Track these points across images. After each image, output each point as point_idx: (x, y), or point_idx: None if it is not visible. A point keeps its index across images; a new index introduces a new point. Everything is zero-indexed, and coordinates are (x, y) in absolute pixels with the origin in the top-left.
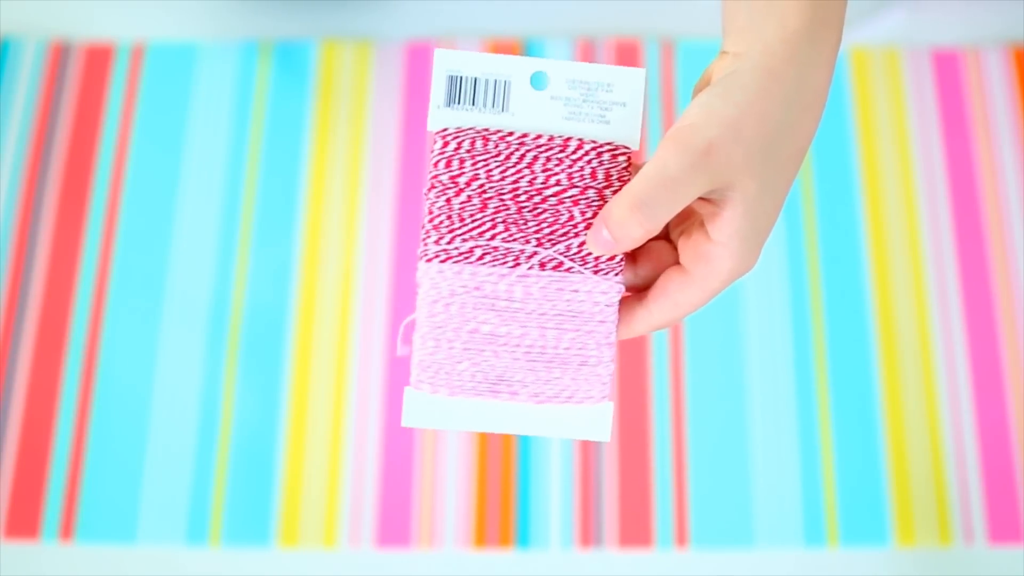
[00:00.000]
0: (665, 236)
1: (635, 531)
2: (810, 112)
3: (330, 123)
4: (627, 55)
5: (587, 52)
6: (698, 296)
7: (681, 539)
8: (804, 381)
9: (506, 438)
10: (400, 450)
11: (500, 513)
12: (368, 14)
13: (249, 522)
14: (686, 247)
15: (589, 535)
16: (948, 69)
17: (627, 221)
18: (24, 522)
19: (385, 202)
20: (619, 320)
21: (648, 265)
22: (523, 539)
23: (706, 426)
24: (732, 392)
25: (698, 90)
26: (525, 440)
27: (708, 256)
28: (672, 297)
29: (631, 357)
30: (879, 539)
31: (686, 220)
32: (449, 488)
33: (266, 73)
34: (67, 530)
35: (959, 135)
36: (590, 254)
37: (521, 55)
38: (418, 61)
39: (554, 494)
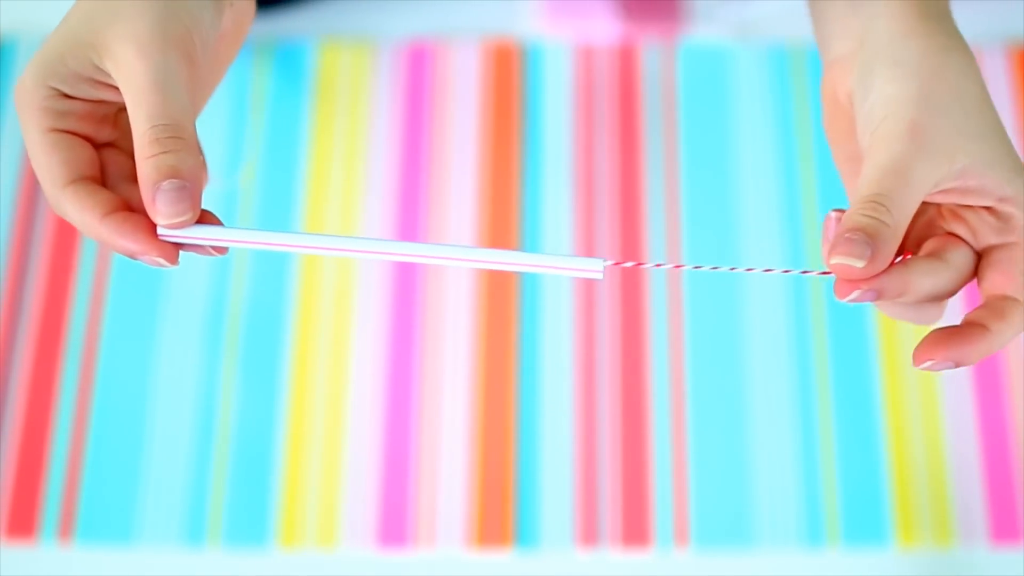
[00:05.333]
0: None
1: (635, 531)
2: (969, 60)
3: (329, 123)
4: (627, 56)
5: (587, 56)
6: None
7: (681, 539)
8: (804, 381)
9: (506, 435)
10: (399, 450)
11: (500, 513)
12: (368, 14)
13: (248, 523)
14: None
15: (589, 534)
16: None
17: (873, 219)
18: (22, 523)
19: (385, 202)
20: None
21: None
22: (523, 539)
23: (706, 426)
24: (732, 392)
25: (831, 109)
26: (525, 439)
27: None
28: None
29: (631, 356)
30: (880, 539)
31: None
32: (449, 488)
33: (264, 73)
34: (65, 531)
35: None
36: None
37: (521, 57)
38: (418, 61)
39: (554, 493)
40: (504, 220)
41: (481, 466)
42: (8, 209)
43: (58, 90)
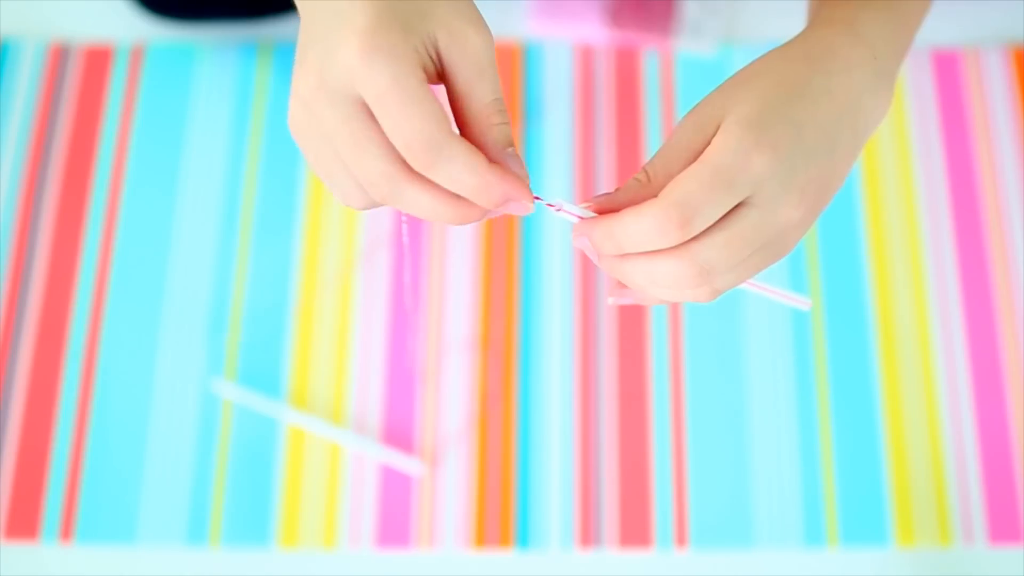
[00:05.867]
0: None
1: (635, 531)
2: (821, 76)
3: None
4: (627, 56)
5: (587, 56)
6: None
7: (681, 539)
8: (804, 381)
9: (506, 436)
10: (399, 450)
11: (500, 513)
12: None
13: (249, 523)
14: None
15: (589, 535)
16: (947, 69)
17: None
18: (24, 523)
19: None
20: None
21: None
22: (523, 539)
23: (706, 427)
24: (732, 392)
25: None
26: (525, 440)
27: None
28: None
29: (631, 355)
30: (879, 539)
31: None
32: (449, 488)
33: (266, 73)
34: (67, 531)
35: (959, 135)
36: None
37: (521, 57)
38: None
39: (554, 494)
40: (504, 219)
41: (481, 467)
42: (9, 209)
43: (419, 48)
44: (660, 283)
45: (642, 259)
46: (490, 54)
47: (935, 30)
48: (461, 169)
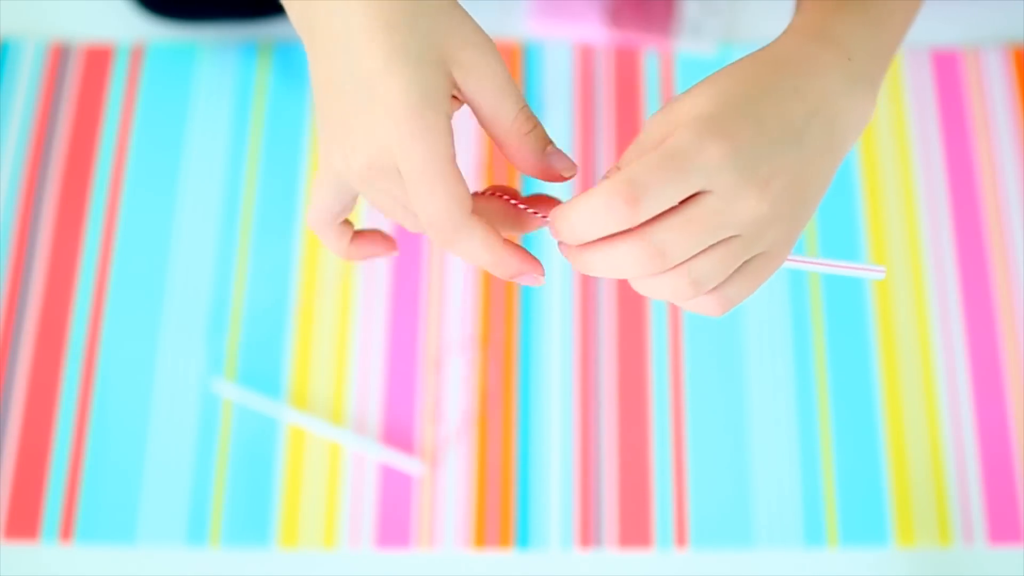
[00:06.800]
0: None
1: (635, 531)
2: (790, 84)
3: None
4: (626, 56)
5: (587, 56)
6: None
7: (681, 539)
8: (804, 381)
9: (506, 436)
10: (399, 450)
11: (500, 513)
12: None
13: (249, 522)
14: None
15: (589, 535)
16: (947, 69)
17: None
18: (24, 523)
19: None
20: None
21: None
22: (523, 539)
23: (706, 426)
24: (732, 392)
25: None
26: (525, 440)
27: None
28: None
29: (630, 355)
30: (879, 539)
31: None
32: (449, 488)
33: (266, 73)
34: (67, 531)
35: (959, 135)
36: None
37: (521, 57)
38: None
39: (554, 494)
40: None
41: (481, 467)
42: (9, 209)
43: (446, 94)
44: (621, 270)
45: (601, 246)
46: (503, 70)
47: (935, 30)
48: (479, 246)
